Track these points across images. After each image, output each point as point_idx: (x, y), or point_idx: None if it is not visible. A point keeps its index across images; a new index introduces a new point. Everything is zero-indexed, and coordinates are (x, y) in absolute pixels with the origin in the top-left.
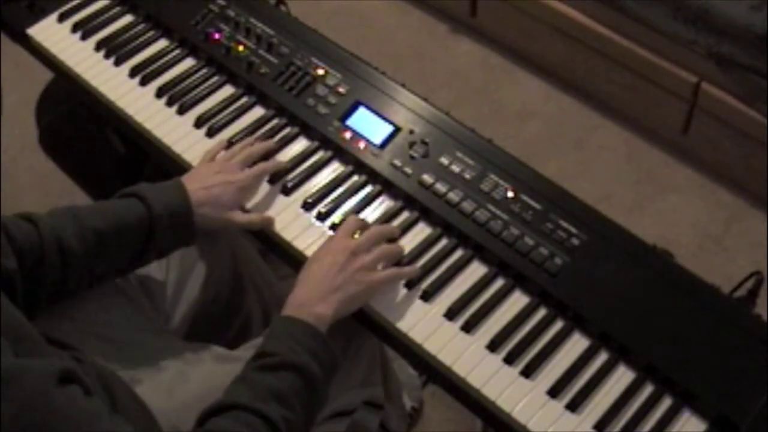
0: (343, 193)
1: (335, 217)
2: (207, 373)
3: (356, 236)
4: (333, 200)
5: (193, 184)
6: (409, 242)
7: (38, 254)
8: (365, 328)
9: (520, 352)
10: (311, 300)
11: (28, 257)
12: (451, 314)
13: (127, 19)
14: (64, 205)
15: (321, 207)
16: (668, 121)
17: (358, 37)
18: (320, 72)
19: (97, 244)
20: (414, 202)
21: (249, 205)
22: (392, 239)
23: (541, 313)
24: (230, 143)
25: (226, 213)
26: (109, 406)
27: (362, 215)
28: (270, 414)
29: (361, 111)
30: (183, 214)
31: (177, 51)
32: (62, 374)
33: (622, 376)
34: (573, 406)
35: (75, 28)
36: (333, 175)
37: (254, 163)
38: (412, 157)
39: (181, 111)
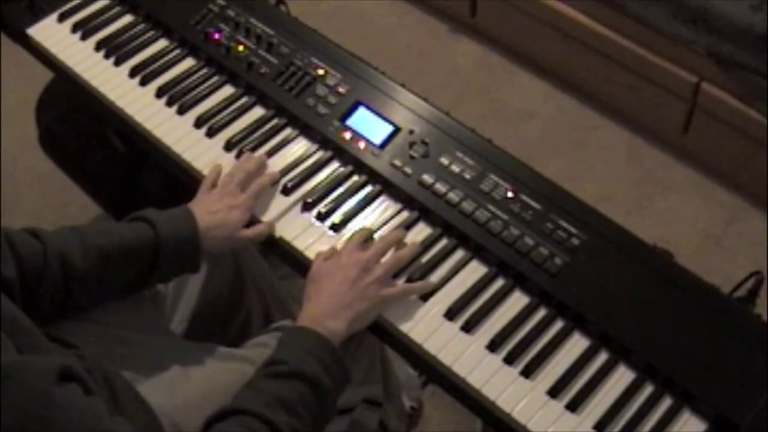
0: (343, 193)
1: (335, 217)
2: (209, 372)
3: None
4: (333, 200)
5: (199, 211)
6: (409, 242)
7: (40, 269)
8: (365, 328)
9: (520, 352)
10: (323, 316)
11: (30, 271)
12: (451, 314)
13: (127, 19)
14: (71, 225)
15: (321, 207)
16: (668, 121)
17: (358, 37)
18: (320, 72)
19: (101, 263)
20: (414, 202)
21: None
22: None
23: (541, 313)
24: (229, 143)
25: (234, 233)
26: (112, 405)
27: (362, 215)
28: (277, 422)
29: (361, 111)
30: (190, 242)
31: (177, 51)
32: (62, 372)
33: (622, 376)
34: (573, 406)
35: (75, 28)
36: (333, 175)
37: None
38: (412, 157)
39: (181, 111)
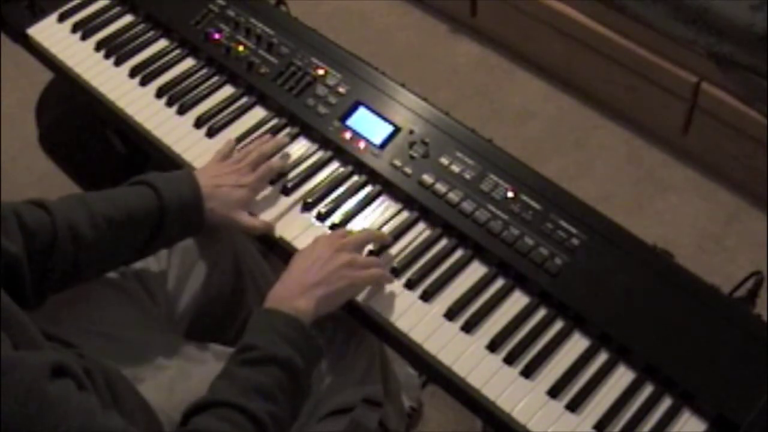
0: (343, 193)
1: (335, 217)
2: (208, 372)
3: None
4: (333, 200)
5: (204, 179)
6: (409, 242)
7: (51, 240)
8: (365, 328)
9: (520, 352)
10: (292, 295)
11: (40, 242)
12: (451, 314)
13: (127, 19)
14: (75, 193)
15: (321, 207)
16: (668, 121)
17: (358, 37)
18: (320, 72)
19: (109, 231)
20: (414, 202)
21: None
22: (384, 246)
23: (541, 313)
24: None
25: (232, 212)
26: (112, 404)
27: (362, 215)
28: (255, 410)
29: (361, 111)
30: (193, 206)
31: (177, 51)
32: (55, 367)
33: (622, 376)
34: (573, 406)
35: (75, 28)
36: (333, 176)
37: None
38: (412, 157)
39: (181, 111)
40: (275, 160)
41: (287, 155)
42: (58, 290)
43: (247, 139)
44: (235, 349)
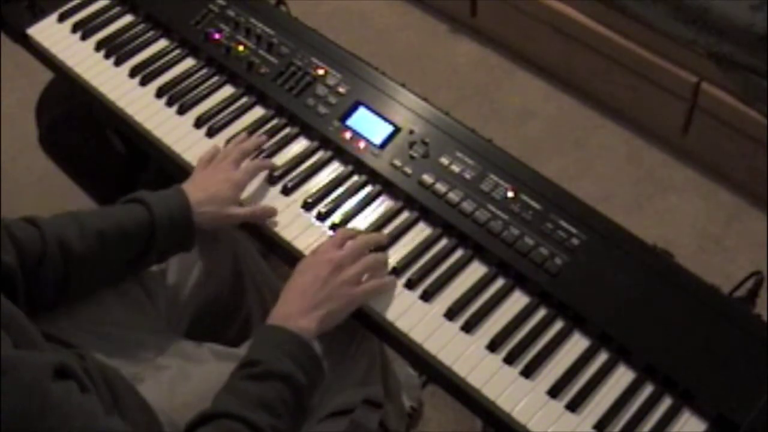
0: (343, 193)
1: (335, 217)
2: (208, 372)
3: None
4: (333, 200)
5: (190, 189)
6: (409, 242)
7: (40, 255)
8: (365, 328)
9: (520, 352)
10: (293, 315)
11: (30, 258)
12: (451, 314)
13: (127, 19)
14: (67, 211)
15: (321, 207)
16: (668, 121)
17: (358, 37)
18: (320, 72)
19: (100, 246)
20: (414, 202)
21: (249, 204)
22: (380, 247)
23: (541, 313)
24: (229, 143)
25: (225, 209)
26: (112, 405)
27: (362, 215)
28: (258, 422)
29: (361, 111)
30: (183, 219)
31: (177, 51)
32: (59, 369)
33: (622, 376)
34: (573, 406)
35: (75, 28)
36: (333, 175)
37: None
38: (412, 157)
39: (181, 111)
40: (264, 161)
41: (281, 157)
42: (51, 306)
43: (240, 136)
44: (238, 364)
